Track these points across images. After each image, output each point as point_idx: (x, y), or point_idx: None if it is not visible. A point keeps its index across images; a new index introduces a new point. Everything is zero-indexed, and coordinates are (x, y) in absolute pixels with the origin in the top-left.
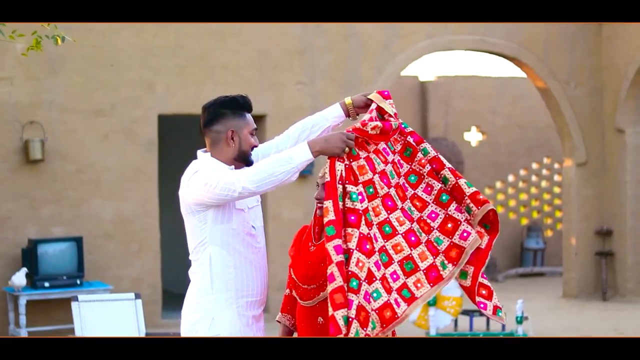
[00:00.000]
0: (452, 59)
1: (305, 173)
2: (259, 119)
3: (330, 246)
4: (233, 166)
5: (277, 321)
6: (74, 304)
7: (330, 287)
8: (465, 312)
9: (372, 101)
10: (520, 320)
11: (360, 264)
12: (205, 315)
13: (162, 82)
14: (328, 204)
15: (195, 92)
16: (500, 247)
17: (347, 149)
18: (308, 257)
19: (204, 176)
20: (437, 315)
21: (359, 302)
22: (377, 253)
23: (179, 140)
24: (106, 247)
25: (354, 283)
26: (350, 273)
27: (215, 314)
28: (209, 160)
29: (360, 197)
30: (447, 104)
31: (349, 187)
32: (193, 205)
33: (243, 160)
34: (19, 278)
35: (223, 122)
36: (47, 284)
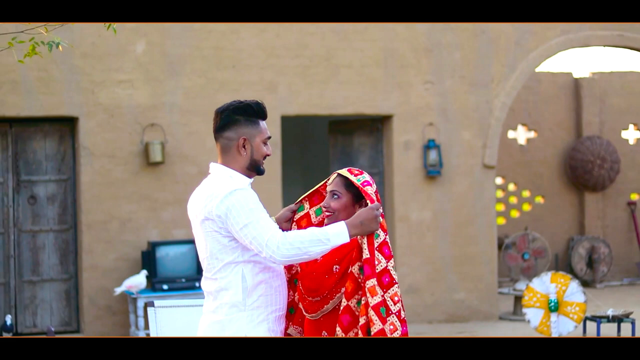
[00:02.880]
0: (608, 55)
1: (435, 174)
2: (385, 119)
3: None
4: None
5: (288, 333)
6: (149, 310)
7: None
8: (591, 318)
9: (294, 214)
10: None
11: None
12: (237, 333)
13: (284, 83)
14: (372, 282)
15: (319, 92)
16: None
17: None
18: (314, 268)
19: (240, 214)
20: (559, 321)
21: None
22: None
23: (302, 141)
24: None
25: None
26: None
27: (248, 331)
28: (237, 180)
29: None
30: (602, 101)
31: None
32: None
33: (254, 169)
34: (137, 280)
35: (235, 128)
36: (165, 287)
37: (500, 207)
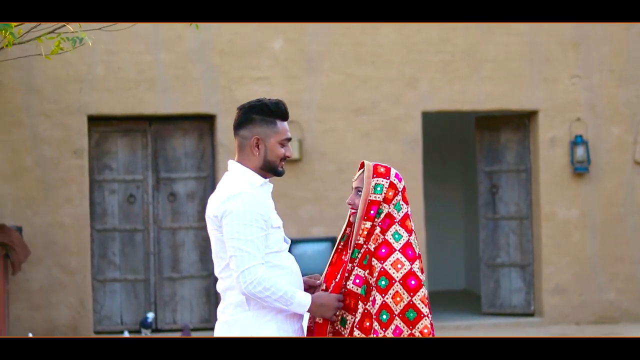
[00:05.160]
0: None
1: (582, 170)
2: (531, 115)
3: None
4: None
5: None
6: None
7: None
8: None
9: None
10: None
11: None
12: (243, 333)
13: (425, 78)
14: None
15: (461, 88)
16: None
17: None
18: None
19: (232, 225)
20: None
21: None
22: None
23: (443, 138)
24: None
25: None
26: None
27: (254, 331)
28: (250, 179)
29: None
30: None
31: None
32: None
33: (270, 170)
34: None
35: (250, 127)
36: None
37: None
